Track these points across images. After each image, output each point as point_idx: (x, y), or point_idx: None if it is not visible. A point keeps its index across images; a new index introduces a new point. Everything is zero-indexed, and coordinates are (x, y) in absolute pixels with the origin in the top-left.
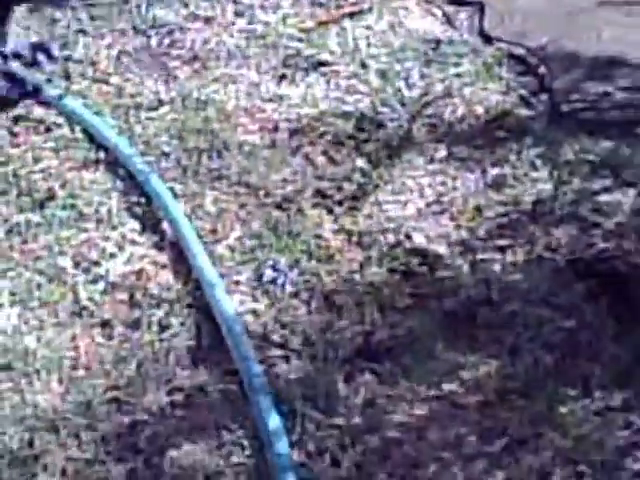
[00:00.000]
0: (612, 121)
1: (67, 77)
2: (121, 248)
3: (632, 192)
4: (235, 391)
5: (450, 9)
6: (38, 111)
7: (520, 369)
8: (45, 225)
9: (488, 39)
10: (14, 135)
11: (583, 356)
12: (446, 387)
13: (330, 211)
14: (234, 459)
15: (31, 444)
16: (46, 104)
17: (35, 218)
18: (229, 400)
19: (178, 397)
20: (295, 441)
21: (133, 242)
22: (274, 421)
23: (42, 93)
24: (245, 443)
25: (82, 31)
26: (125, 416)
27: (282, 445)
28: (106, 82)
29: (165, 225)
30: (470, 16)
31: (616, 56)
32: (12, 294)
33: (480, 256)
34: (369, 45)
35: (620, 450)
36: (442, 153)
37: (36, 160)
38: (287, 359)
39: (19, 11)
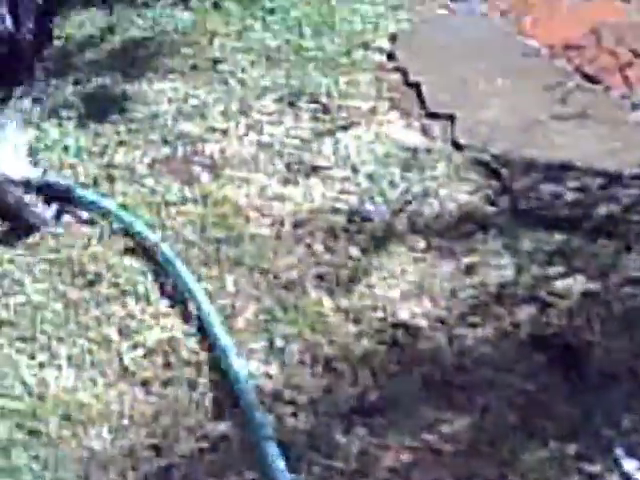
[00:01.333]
0: (564, 217)
1: (110, 180)
2: (156, 320)
3: (582, 278)
4: (250, 439)
5: (426, 121)
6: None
7: (489, 424)
8: (94, 301)
9: (458, 147)
10: (67, 227)
11: (541, 414)
12: (427, 438)
13: (329, 292)
14: None
15: None
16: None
17: (86, 295)
18: (246, 447)
19: (205, 444)
20: None
21: (166, 315)
22: (280, 464)
23: (74, 195)
24: None
25: (121, 142)
26: (162, 460)
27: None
28: (142, 184)
29: (190, 302)
30: (443, 127)
31: (567, 162)
32: (69, 358)
33: (455, 331)
34: (358, 153)
35: None
36: (422, 244)
37: (85, 247)
38: (295, 414)
39: (70, 127)
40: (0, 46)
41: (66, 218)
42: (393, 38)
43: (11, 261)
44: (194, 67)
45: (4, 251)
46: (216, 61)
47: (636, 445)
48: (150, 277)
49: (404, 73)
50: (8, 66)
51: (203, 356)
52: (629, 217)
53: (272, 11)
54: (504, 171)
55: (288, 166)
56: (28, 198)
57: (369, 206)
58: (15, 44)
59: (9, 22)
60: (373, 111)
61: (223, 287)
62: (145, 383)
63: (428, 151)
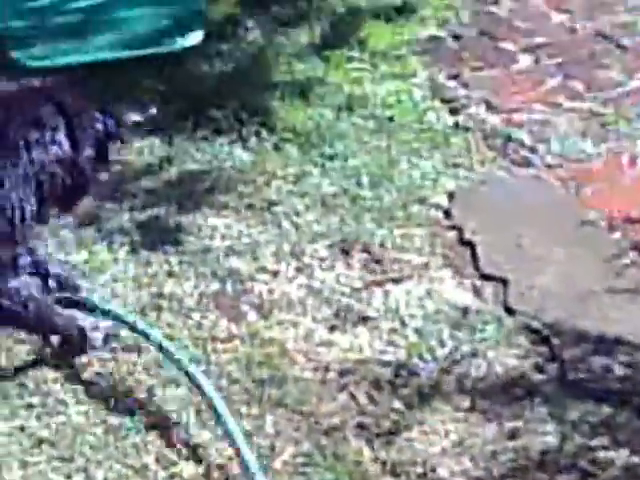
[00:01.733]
0: (613, 391)
1: (158, 310)
2: (195, 452)
3: (625, 452)
4: None
5: (478, 282)
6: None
7: None
8: (135, 428)
9: (510, 311)
10: (112, 351)
11: None
12: None
13: (369, 441)
14: None
15: None
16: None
17: (127, 422)
18: None
19: None
20: None
21: (205, 449)
22: None
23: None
24: None
25: (171, 273)
26: None
27: None
28: (189, 317)
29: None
30: (495, 289)
31: (619, 336)
32: None
33: None
34: (408, 307)
35: None
36: (466, 404)
37: (130, 374)
38: None
39: (121, 253)
40: (59, 170)
41: (113, 343)
42: (451, 196)
43: (56, 381)
44: (249, 206)
45: (50, 371)
46: (271, 202)
47: None
48: (191, 410)
49: (459, 231)
50: (67, 190)
51: None
52: None
53: (331, 158)
54: (554, 340)
55: (336, 313)
56: (78, 321)
57: (417, 361)
58: (74, 168)
59: (67, 146)
60: (425, 266)
61: (263, 427)
62: None
63: (478, 312)
